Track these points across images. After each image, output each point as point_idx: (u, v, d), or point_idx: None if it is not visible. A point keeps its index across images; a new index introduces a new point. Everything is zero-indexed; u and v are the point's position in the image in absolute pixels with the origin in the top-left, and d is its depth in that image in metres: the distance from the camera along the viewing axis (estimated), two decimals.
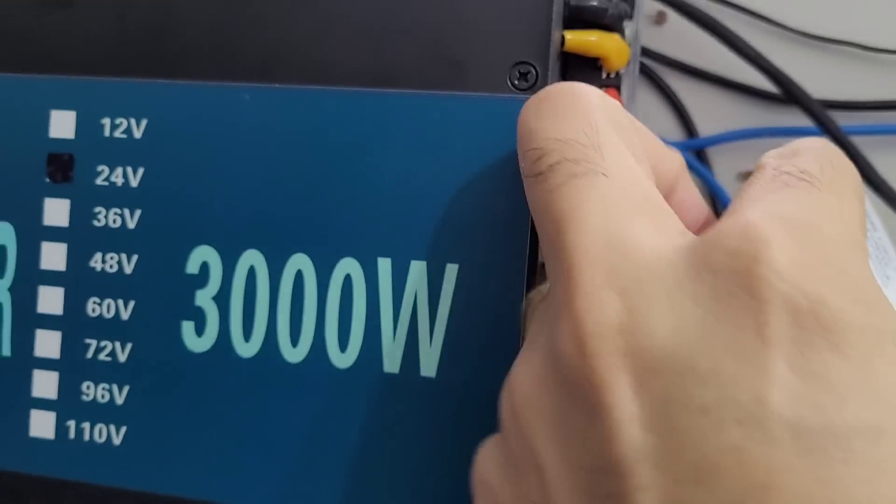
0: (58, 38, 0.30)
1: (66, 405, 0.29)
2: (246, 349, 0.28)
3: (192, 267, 0.29)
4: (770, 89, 0.36)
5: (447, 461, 0.26)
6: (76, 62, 0.30)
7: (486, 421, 0.26)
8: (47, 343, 0.30)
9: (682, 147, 0.37)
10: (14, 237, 0.30)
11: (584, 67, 0.31)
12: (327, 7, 0.28)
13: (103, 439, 0.29)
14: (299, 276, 0.28)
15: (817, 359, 0.16)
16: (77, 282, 0.29)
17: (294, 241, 0.28)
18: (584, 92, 0.22)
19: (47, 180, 0.30)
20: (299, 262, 0.28)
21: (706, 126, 0.37)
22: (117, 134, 0.29)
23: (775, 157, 0.21)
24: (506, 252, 0.27)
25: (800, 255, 0.17)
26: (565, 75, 0.31)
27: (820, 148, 0.21)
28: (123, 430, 0.29)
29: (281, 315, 0.28)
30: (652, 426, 0.16)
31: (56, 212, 0.30)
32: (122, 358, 0.29)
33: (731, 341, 0.16)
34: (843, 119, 0.35)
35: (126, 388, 0.29)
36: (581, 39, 0.30)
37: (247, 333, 0.28)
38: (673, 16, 0.35)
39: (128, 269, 0.29)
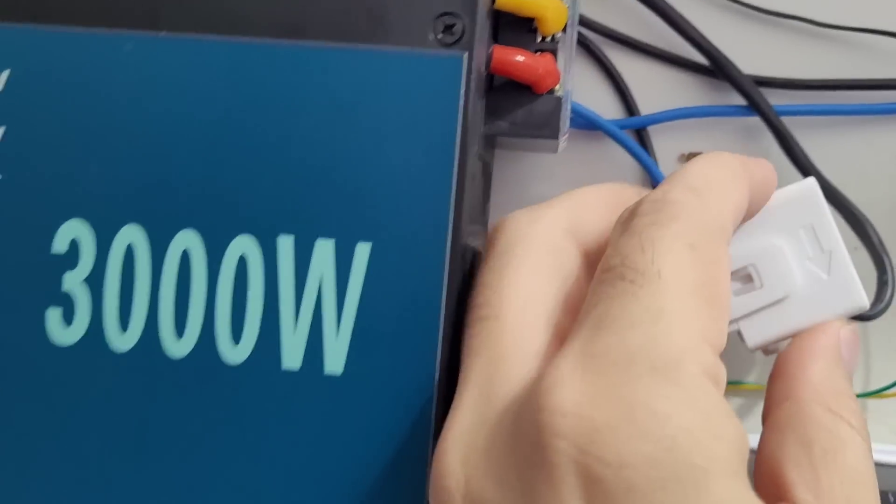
0: None
1: None
2: (122, 342, 0.24)
3: (60, 245, 0.24)
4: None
5: (352, 469, 0.23)
6: None
7: (396, 424, 0.23)
8: None
9: (620, 126, 0.34)
10: None
11: (517, 28, 0.28)
12: None
13: None
14: (185, 257, 0.24)
15: None
16: None
17: (180, 216, 0.24)
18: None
19: None
20: (186, 239, 0.24)
21: (648, 104, 0.34)
22: None
23: (618, 229, 0.22)
24: (426, 229, 0.23)
25: (592, 411, 0.18)
26: (497, 36, 0.28)
27: (661, 201, 0.21)
28: None
29: (163, 302, 0.24)
30: None
31: None
32: None
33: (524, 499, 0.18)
34: (782, 98, 0.33)
35: None
36: None
37: (123, 323, 0.24)
38: None
39: None
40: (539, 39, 0.28)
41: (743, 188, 0.23)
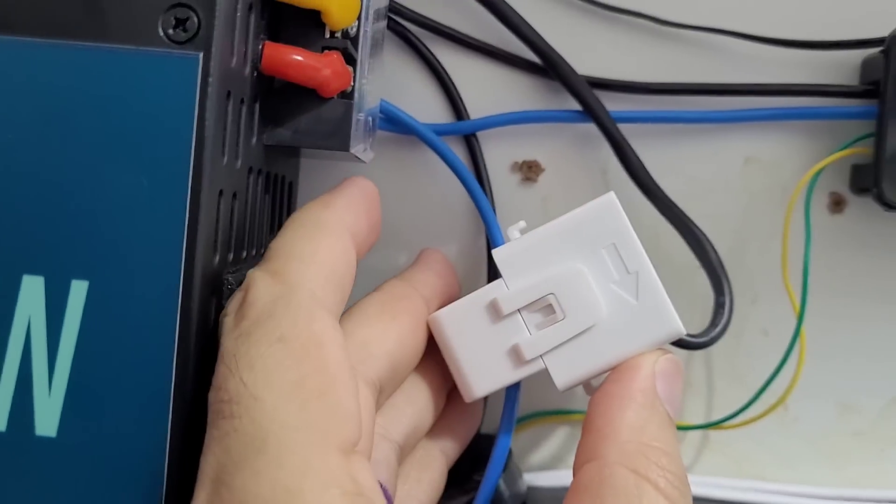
0: None
1: None
2: None
3: None
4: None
5: None
6: None
7: (119, 496, 0.19)
8: None
9: (448, 131, 0.31)
10: None
11: (303, 22, 0.24)
12: None
13: None
14: None
15: None
16: None
17: None
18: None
19: None
20: None
21: (480, 107, 0.31)
22: None
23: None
24: (153, 265, 0.19)
25: None
26: (279, 34, 0.24)
27: (244, 306, 0.20)
28: None
29: None
30: None
31: None
32: None
33: None
34: (623, 103, 0.30)
35: None
36: None
37: None
38: None
39: None
40: (328, 35, 0.24)
41: (335, 238, 0.21)
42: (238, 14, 0.21)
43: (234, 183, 0.22)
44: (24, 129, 0.19)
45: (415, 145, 0.30)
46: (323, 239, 0.21)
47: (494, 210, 0.30)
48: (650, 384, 0.22)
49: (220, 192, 0.21)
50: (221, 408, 0.18)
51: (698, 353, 0.31)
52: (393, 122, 0.29)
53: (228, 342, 0.19)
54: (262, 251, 0.25)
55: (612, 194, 0.23)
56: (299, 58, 0.23)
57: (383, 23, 0.28)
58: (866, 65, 0.29)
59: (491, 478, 0.25)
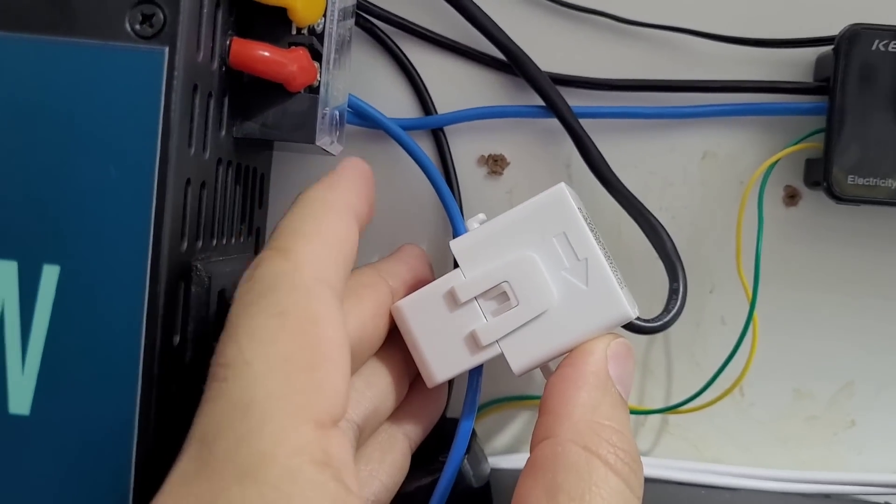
0: None
1: None
2: None
3: None
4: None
5: None
6: None
7: (92, 472, 0.20)
8: None
9: (415, 126, 0.32)
10: None
11: (270, 19, 0.25)
12: None
13: None
14: None
15: None
16: None
17: None
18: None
19: None
20: None
21: (446, 102, 0.32)
22: None
23: None
24: (122, 250, 0.20)
25: None
26: (248, 31, 0.25)
27: (249, 280, 0.20)
28: None
29: None
30: None
31: None
32: None
33: None
34: (584, 98, 0.31)
35: None
36: None
37: None
38: None
39: None
40: (294, 31, 0.25)
41: (339, 220, 0.22)
42: (204, 10, 0.22)
43: (202, 173, 0.23)
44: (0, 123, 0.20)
45: (383, 140, 0.31)
46: (328, 218, 0.22)
47: (461, 203, 0.31)
48: (602, 366, 0.23)
49: (188, 182, 0.22)
50: (217, 371, 0.19)
51: (658, 341, 0.32)
52: (362, 117, 0.30)
53: (233, 311, 0.20)
54: (234, 240, 0.26)
55: (561, 185, 0.24)
56: (266, 53, 0.24)
57: (351, 20, 0.29)
58: (819, 62, 0.30)
59: (454, 458, 0.26)
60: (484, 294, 0.24)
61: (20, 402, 0.20)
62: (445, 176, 0.31)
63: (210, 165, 0.23)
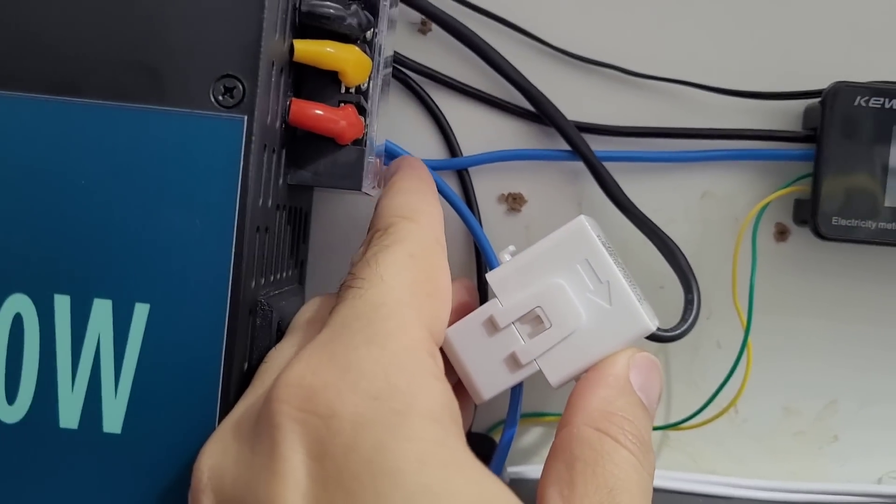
0: None
1: None
2: None
3: None
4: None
5: None
6: None
7: (176, 484, 0.23)
8: None
9: (443, 167, 0.35)
10: None
11: (322, 80, 0.28)
12: None
13: None
14: None
15: (332, 464, 0.20)
16: None
17: None
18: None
19: None
20: None
21: (470, 145, 0.35)
22: None
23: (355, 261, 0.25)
24: (205, 290, 0.23)
25: (312, 378, 0.21)
26: (301, 90, 0.28)
27: (383, 231, 0.25)
28: None
29: None
30: None
31: None
32: None
33: (255, 464, 0.21)
34: (602, 143, 0.34)
35: None
36: (313, 50, 0.27)
37: None
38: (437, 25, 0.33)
39: None
40: (343, 90, 0.28)
41: (435, 198, 0.29)
42: (273, 80, 0.25)
43: (267, 219, 0.26)
44: (98, 179, 0.23)
45: None
46: (430, 199, 0.28)
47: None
48: (623, 372, 0.26)
49: (258, 229, 0.25)
50: (353, 281, 0.24)
51: (660, 363, 0.35)
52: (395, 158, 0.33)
53: (372, 250, 0.25)
54: (284, 274, 0.30)
55: (581, 217, 0.27)
56: (320, 112, 0.27)
57: (389, 69, 0.32)
58: (808, 113, 0.34)
59: (498, 461, 0.29)
60: (520, 319, 0.27)
61: (113, 422, 0.23)
62: (470, 211, 0.34)
63: (272, 212, 0.26)
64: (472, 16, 0.34)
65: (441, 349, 0.28)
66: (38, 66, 0.23)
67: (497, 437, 0.34)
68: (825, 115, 0.32)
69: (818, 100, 0.33)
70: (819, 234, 0.32)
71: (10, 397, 0.23)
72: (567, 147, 0.33)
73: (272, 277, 0.27)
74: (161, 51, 0.23)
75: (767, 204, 0.33)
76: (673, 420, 0.35)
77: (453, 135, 0.35)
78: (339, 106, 0.28)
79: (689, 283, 0.31)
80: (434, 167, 0.33)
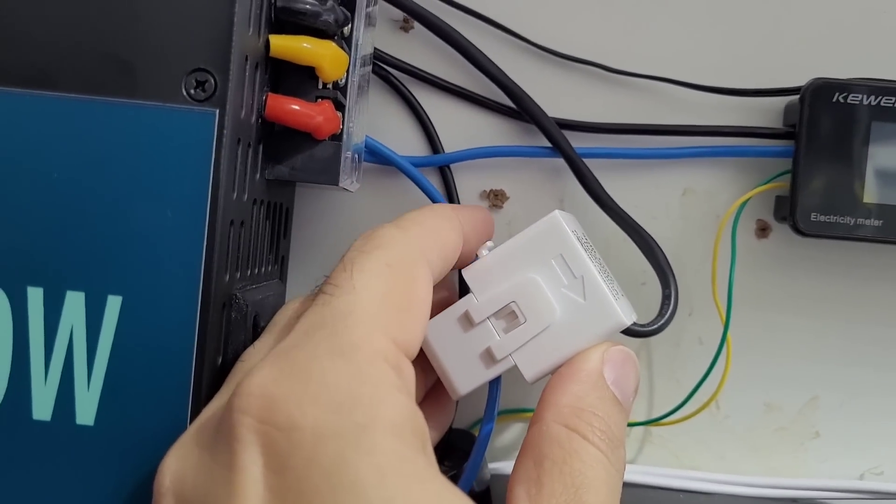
0: None
1: None
2: None
3: None
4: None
5: None
6: None
7: (149, 476, 0.23)
8: None
9: (425, 163, 0.35)
10: None
11: (299, 76, 0.28)
12: None
13: None
14: None
15: (292, 477, 0.20)
16: None
17: None
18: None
19: None
20: None
21: (452, 142, 0.35)
22: None
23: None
24: (177, 283, 0.23)
25: (274, 388, 0.21)
26: (279, 85, 0.28)
27: (368, 236, 0.25)
28: None
29: None
30: None
31: None
32: None
33: (215, 474, 0.21)
34: (583, 140, 0.35)
35: None
36: (289, 45, 0.27)
37: None
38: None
39: None
40: (320, 86, 0.28)
41: (451, 227, 0.27)
42: (247, 74, 0.25)
43: (242, 213, 0.26)
44: (71, 172, 0.23)
45: (396, 176, 0.34)
46: (440, 219, 0.27)
47: None
48: (596, 367, 0.26)
49: (231, 222, 0.25)
50: (326, 288, 0.23)
51: (641, 359, 0.35)
52: (376, 155, 0.33)
53: (350, 254, 0.24)
54: (263, 269, 0.30)
55: (555, 213, 0.27)
56: (296, 107, 0.27)
57: (368, 68, 0.32)
58: (788, 110, 0.34)
59: (476, 456, 0.29)
60: (495, 314, 0.27)
61: (86, 414, 0.24)
62: None
63: (248, 206, 0.27)
64: (455, 13, 0.34)
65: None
66: (12, 60, 0.24)
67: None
68: (803, 112, 0.32)
69: (798, 96, 0.33)
70: (798, 231, 0.32)
71: None
72: (549, 144, 0.34)
73: (249, 272, 0.28)
74: (134, 44, 0.24)
75: (747, 200, 0.33)
76: (654, 415, 0.35)
77: (435, 132, 0.35)
78: (316, 101, 0.28)
79: (667, 279, 0.31)
80: (416, 164, 0.34)
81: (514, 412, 0.35)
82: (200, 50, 0.23)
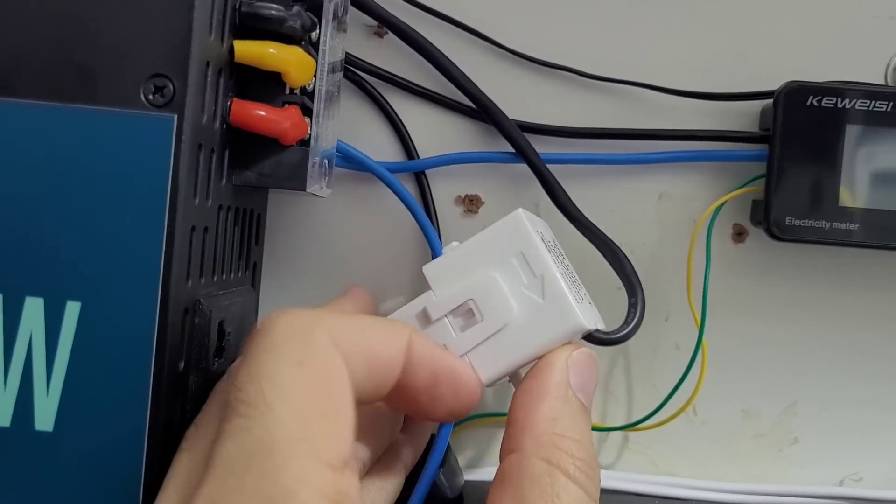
0: None
1: None
2: None
3: None
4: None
5: None
6: None
7: (107, 482, 0.23)
8: None
9: (400, 169, 0.35)
10: None
11: (267, 82, 0.28)
12: None
13: None
14: None
15: None
16: None
17: None
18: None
19: None
20: None
21: (427, 147, 0.35)
22: None
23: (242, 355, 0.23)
24: (136, 288, 0.23)
25: None
26: (246, 91, 0.28)
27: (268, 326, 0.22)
28: None
29: None
30: None
31: None
32: None
33: None
34: (552, 145, 0.34)
35: None
36: (254, 51, 0.27)
37: None
38: None
39: None
40: (288, 91, 0.28)
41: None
42: (208, 80, 0.25)
43: (206, 219, 0.26)
44: (30, 178, 0.23)
45: (371, 181, 0.34)
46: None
47: (440, 238, 0.34)
48: (563, 377, 0.25)
49: (193, 228, 0.25)
50: (238, 406, 0.21)
51: (619, 364, 0.35)
52: (351, 161, 0.33)
53: (253, 352, 0.22)
54: (232, 275, 0.30)
55: (519, 211, 0.27)
56: (262, 113, 0.27)
57: (339, 74, 0.32)
58: (763, 114, 0.34)
59: (430, 470, 0.28)
60: (453, 311, 0.27)
61: (45, 420, 0.24)
62: (427, 214, 0.34)
63: (212, 212, 0.27)
64: (431, 20, 0.34)
65: None
66: None
67: None
68: (777, 116, 0.32)
69: (772, 100, 0.32)
70: (772, 235, 0.32)
71: None
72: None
73: (216, 278, 0.28)
74: (93, 50, 0.24)
75: (722, 205, 0.33)
76: (632, 420, 0.34)
77: (410, 138, 0.35)
78: (283, 107, 0.28)
79: (634, 288, 0.31)
80: (391, 169, 0.33)
81: (492, 416, 0.35)
82: (159, 56, 0.23)
